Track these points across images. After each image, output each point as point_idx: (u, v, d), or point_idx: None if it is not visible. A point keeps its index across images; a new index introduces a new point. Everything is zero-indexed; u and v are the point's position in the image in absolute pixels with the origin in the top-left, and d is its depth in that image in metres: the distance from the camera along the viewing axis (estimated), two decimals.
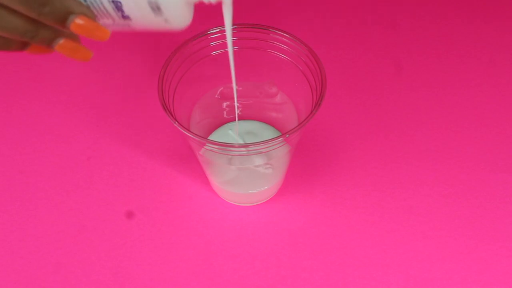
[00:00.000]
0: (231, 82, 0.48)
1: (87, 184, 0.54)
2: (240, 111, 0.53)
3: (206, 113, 0.52)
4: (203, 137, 0.44)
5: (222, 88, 0.51)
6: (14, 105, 0.60)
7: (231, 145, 0.45)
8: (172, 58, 0.47)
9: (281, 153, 0.48)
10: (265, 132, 0.52)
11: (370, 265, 0.49)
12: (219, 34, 0.49)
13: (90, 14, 0.33)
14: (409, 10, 0.69)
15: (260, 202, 0.53)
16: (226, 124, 0.54)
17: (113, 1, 0.32)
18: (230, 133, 0.50)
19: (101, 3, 0.32)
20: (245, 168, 0.48)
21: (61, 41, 0.34)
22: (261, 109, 0.53)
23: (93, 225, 0.51)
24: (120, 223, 0.52)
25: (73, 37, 0.35)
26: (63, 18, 0.32)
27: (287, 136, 0.43)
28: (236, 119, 0.48)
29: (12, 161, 0.56)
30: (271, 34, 0.48)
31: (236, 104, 0.46)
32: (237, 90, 0.45)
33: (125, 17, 0.33)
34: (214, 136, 0.53)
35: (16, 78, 0.62)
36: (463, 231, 0.51)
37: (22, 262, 0.49)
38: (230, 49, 0.41)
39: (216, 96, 0.51)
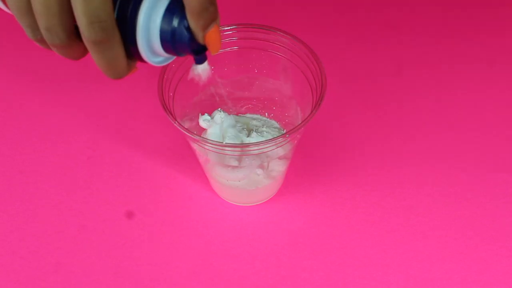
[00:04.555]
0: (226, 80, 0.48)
1: (87, 184, 0.54)
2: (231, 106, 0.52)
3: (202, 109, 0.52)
4: (203, 138, 0.44)
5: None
6: (14, 105, 0.60)
7: (232, 145, 0.45)
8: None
9: (281, 153, 0.48)
10: (268, 128, 0.52)
11: (370, 265, 0.49)
12: None
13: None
14: (409, 10, 0.69)
15: (260, 202, 0.53)
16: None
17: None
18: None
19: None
20: (245, 167, 0.48)
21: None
22: (265, 105, 0.53)
23: (93, 225, 0.51)
24: (120, 223, 0.52)
25: None
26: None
27: (287, 136, 0.43)
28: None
29: (12, 161, 0.56)
30: (271, 34, 0.48)
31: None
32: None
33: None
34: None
35: (16, 78, 0.62)
36: (463, 231, 0.51)
37: (22, 262, 0.49)
38: None
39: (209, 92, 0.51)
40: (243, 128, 0.50)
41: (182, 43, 0.32)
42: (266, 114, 0.54)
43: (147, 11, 0.31)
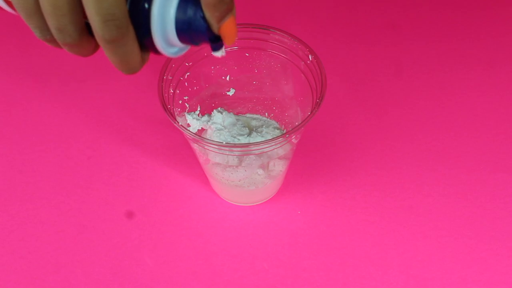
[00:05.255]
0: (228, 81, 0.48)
1: (87, 184, 0.54)
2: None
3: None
4: (203, 137, 0.44)
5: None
6: (14, 105, 0.60)
7: (232, 145, 0.45)
8: (172, 58, 0.47)
9: (281, 153, 0.48)
10: (268, 128, 0.52)
11: (370, 265, 0.49)
12: None
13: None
14: (409, 10, 0.69)
15: (260, 202, 0.53)
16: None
17: None
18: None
19: None
20: (246, 167, 0.48)
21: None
22: (265, 105, 0.53)
23: (93, 225, 0.51)
24: (120, 223, 0.52)
25: None
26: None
27: (287, 136, 0.43)
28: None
29: (12, 161, 0.56)
30: (271, 34, 0.48)
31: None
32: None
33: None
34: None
35: (16, 78, 0.62)
36: (463, 231, 0.51)
37: (22, 262, 0.49)
38: None
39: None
40: (243, 127, 0.50)
41: (199, 32, 0.32)
42: (266, 114, 0.54)
43: (160, 1, 0.30)
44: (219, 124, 0.49)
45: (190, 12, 0.31)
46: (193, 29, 0.32)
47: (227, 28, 0.32)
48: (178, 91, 0.48)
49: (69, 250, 0.50)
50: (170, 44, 0.33)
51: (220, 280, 0.48)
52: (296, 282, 0.48)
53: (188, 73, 0.49)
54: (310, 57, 0.46)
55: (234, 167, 0.48)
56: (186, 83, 0.49)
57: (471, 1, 0.70)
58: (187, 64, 0.48)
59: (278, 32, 0.47)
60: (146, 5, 0.30)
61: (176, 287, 0.48)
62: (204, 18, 0.32)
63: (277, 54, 0.49)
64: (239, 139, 0.48)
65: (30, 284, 0.48)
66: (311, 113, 0.43)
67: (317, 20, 0.68)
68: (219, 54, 0.35)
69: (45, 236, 0.51)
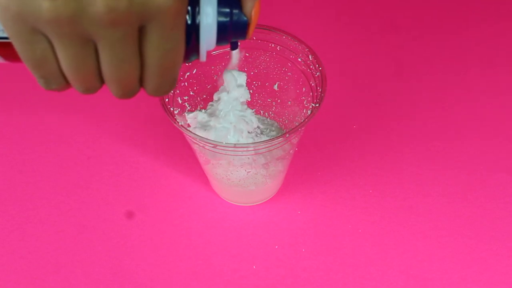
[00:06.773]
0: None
1: (87, 184, 0.54)
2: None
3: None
4: (203, 137, 0.44)
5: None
6: (14, 105, 0.60)
7: (232, 146, 0.45)
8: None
9: (281, 153, 0.48)
10: (268, 128, 0.52)
11: (370, 265, 0.49)
12: None
13: None
14: (409, 10, 0.69)
15: (260, 202, 0.53)
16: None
17: None
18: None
19: None
20: (245, 167, 0.48)
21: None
22: (265, 105, 0.53)
23: (93, 225, 0.51)
24: (120, 223, 0.52)
25: None
26: None
27: (287, 136, 0.43)
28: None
29: (12, 161, 0.56)
30: (271, 34, 0.48)
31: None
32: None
33: None
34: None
35: (16, 78, 0.62)
36: (463, 231, 0.51)
37: (22, 262, 0.49)
38: None
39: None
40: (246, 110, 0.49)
41: (239, 29, 0.32)
42: (266, 114, 0.54)
43: (205, 13, 0.30)
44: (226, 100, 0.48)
45: (231, 12, 0.31)
46: (234, 28, 0.32)
47: (256, 8, 0.31)
48: (178, 91, 0.48)
49: (69, 250, 0.50)
50: (207, 50, 0.33)
51: (220, 280, 0.48)
52: (296, 282, 0.48)
53: (188, 73, 0.49)
54: (310, 57, 0.46)
55: (234, 167, 0.48)
56: (186, 83, 0.49)
57: (471, 1, 0.70)
58: (187, 64, 0.48)
59: (278, 32, 0.47)
60: (193, 23, 0.30)
61: (176, 287, 0.48)
62: (242, 12, 0.31)
63: (277, 54, 0.49)
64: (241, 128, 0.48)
65: (30, 284, 0.48)
66: (311, 113, 0.43)
67: (317, 20, 0.68)
68: (236, 52, 0.34)
69: (45, 236, 0.51)
